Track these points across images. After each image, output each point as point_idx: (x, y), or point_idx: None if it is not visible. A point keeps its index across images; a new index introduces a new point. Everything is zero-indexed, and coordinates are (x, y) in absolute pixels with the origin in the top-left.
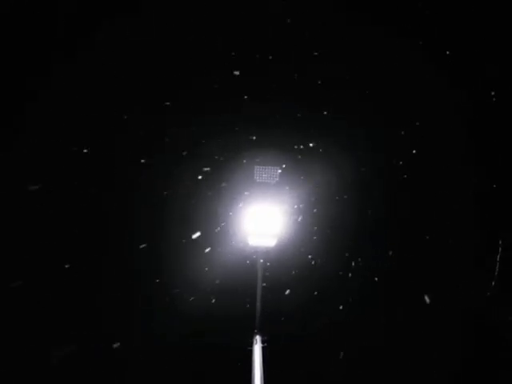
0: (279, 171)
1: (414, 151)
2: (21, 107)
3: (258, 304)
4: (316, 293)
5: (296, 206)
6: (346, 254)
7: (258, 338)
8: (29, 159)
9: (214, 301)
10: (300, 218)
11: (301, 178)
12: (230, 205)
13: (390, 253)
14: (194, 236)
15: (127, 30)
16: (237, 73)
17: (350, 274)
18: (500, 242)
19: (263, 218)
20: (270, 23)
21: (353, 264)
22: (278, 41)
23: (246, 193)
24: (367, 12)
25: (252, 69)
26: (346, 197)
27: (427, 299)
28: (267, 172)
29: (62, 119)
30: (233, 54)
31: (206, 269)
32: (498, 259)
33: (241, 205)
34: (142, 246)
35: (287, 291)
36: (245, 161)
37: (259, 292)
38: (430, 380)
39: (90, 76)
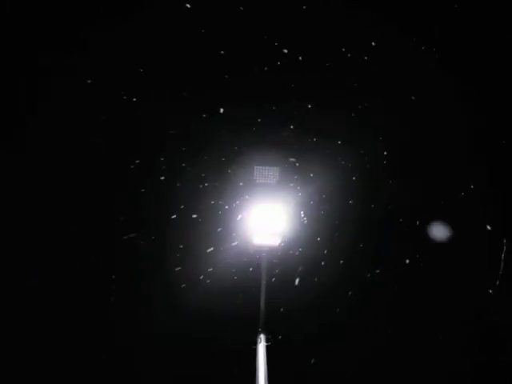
0: (278, 171)
1: (419, 148)
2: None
3: (262, 303)
4: (320, 291)
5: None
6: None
7: (262, 336)
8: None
9: (218, 299)
10: (305, 217)
11: (302, 178)
12: (233, 204)
13: (394, 252)
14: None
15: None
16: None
17: (353, 273)
18: (504, 241)
19: (267, 218)
20: (271, 23)
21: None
22: (277, 41)
23: (247, 196)
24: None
25: (251, 69)
26: (349, 196)
27: None
28: (267, 172)
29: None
30: (233, 54)
31: (211, 268)
32: (502, 258)
33: (245, 204)
34: (144, 245)
35: (290, 290)
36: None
37: (263, 291)
38: (430, 380)
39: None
